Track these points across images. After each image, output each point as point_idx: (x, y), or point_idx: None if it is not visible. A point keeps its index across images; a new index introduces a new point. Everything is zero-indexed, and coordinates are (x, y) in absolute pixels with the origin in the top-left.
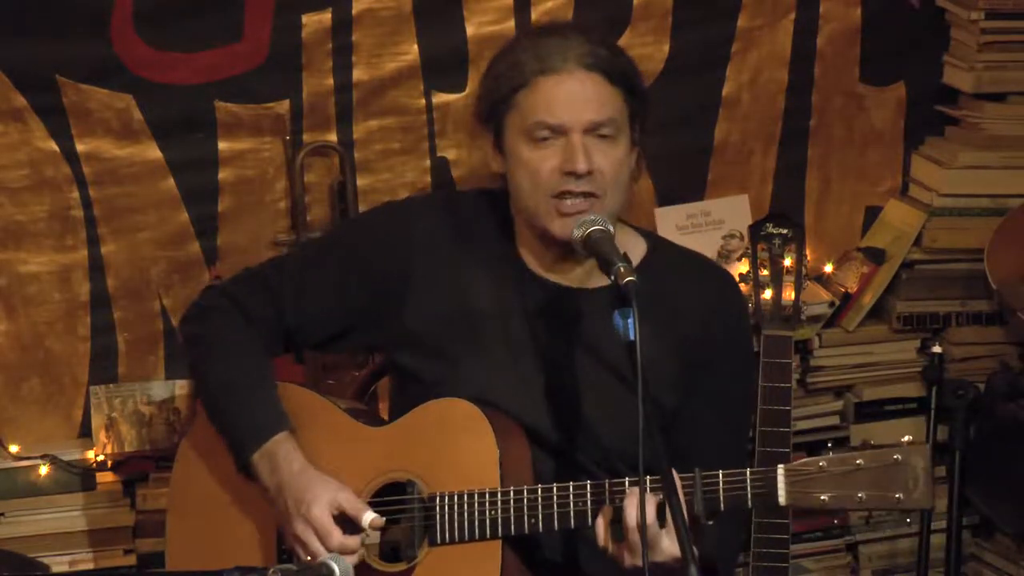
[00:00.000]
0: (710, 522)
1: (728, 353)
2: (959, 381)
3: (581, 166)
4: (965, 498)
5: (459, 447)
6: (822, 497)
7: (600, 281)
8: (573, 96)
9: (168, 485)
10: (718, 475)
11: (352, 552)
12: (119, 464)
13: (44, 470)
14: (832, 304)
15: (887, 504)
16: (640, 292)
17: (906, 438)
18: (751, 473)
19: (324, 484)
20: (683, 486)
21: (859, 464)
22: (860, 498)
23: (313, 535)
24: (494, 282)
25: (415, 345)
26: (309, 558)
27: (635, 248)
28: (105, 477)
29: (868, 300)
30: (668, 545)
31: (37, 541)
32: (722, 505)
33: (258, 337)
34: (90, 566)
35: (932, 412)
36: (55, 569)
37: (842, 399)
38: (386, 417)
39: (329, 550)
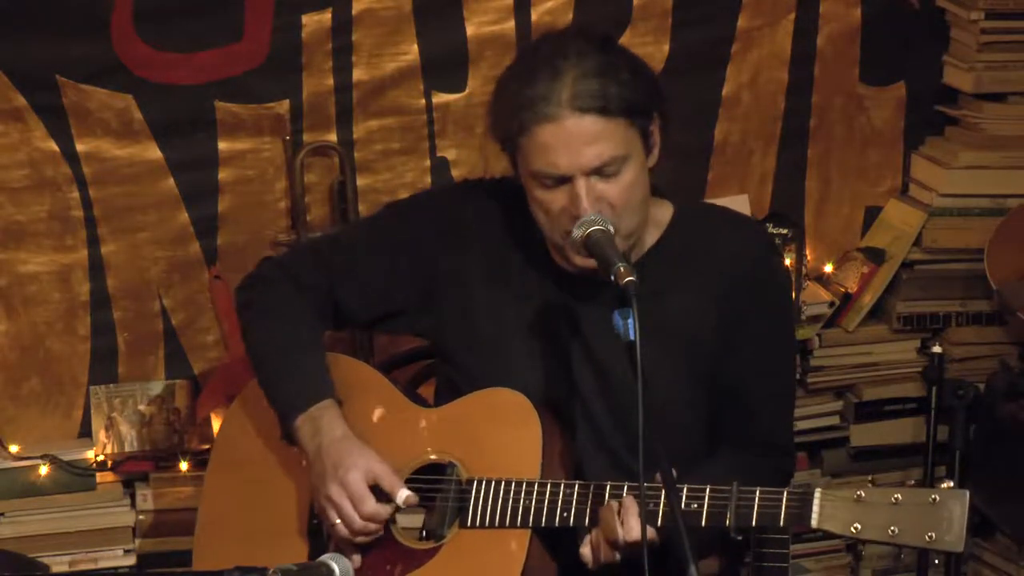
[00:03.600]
0: (739, 538)
1: (765, 298)
2: (959, 381)
3: (586, 212)
4: None
5: (505, 436)
6: (855, 525)
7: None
8: (570, 144)
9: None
10: (755, 491)
11: (382, 521)
12: (119, 464)
13: (44, 470)
14: (832, 304)
15: (917, 542)
16: (672, 252)
17: (948, 483)
18: (788, 493)
19: (364, 453)
20: (719, 498)
21: (896, 499)
22: (892, 532)
23: (346, 498)
24: (531, 273)
25: (457, 334)
26: (338, 521)
27: (662, 216)
28: (105, 477)
29: (868, 300)
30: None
31: (37, 541)
32: (754, 521)
33: (309, 307)
34: (90, 566)
35: (932, 412)
36: (55, 569)
37: (842, 399)
38: None
39: (362, 516)
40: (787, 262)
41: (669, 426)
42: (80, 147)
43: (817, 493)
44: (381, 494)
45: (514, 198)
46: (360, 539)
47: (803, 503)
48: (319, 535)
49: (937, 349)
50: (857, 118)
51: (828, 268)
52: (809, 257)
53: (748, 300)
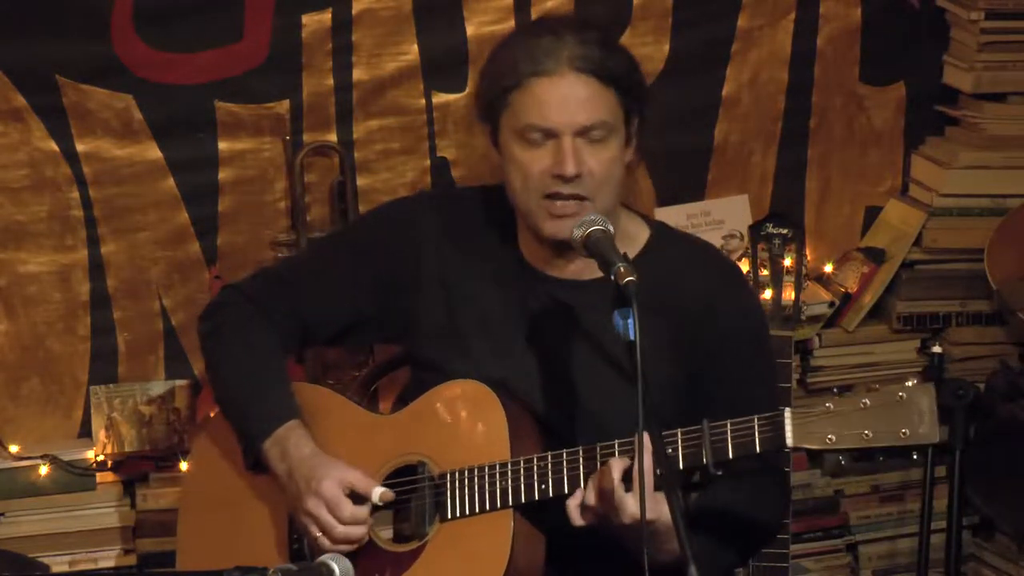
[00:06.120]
0: (719, 473)
1: (734, 342)
2: (959, 381)
3: (570, 170)
4: (965, 498)
5: (468, 424)
6: (829, 437)
7: (594, 273)
8: (564, 99)
9: (176, 483)
10: (726, 424)
11: (363, 523)
12: (119, 464)
13: (44, 470)
14: (832, 304)
15: (893, 440)
16: (640, 281)
17: (912, 381)
18: (759, 419)
19: (334, 464)
20: (691, 436)
21: (865, 404)
22: (866, 436)
23: (324, 508)
24: (496, 277)
25: (428, 337)
26: (320, 534)
27: (638, 235)
28: (105, 477)
29: (868, 300)
30: (632, 506)
31: (37, 541)
32: (730, 453)
33: (273, 333)
34: (90, 566)
35: None
36: (55, 569)
37: None
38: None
39: (341, 521)
40: (786, 262)
41: (616, 433)
42: (80, 147)
43: (787, 412)
44: (359, 501)
45: (474, 204)
46: (343, 547)
47: (775, 425)
48: (300, 557)
49: (937, 349)
50: (857, 118)
51: (828, 268)
52: (809, 257)
53: (713, 350)
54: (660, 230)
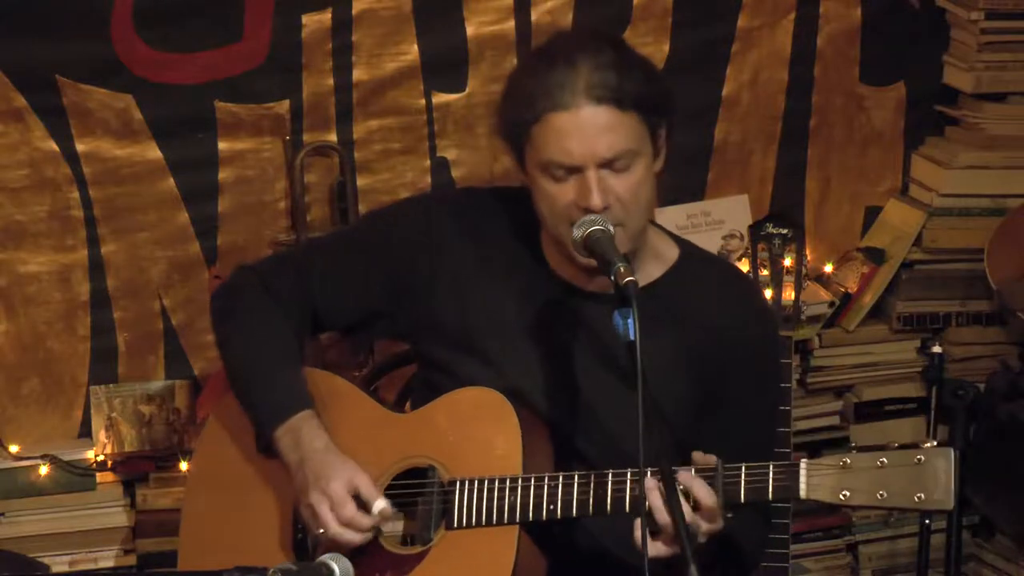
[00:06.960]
0: (729, 515)
1: (751, 370)
2: (959, 381)
3: (596, 203)
4: (965, 498)
5: (483, 434)
6: (843, 493)
7: None
8: (584, 133)
9: (176, 483)
10: (740, 468)
11: (362, 529)
12: (119, 464)
13: (44, 470)
14: (832, 304)
15: (907, 504)
16: (665, 299)
17: (931, 443)
18: (774, 466)
19: (346, 464)
20: (704, 478)
21: (882, 463)
22: (881, 496)
23: (327, 504)
24: (517, 281)
25: (440, 337)
26: (321, 531)
27: (666, 253)
28: (105, 477)
29: (868, 300)
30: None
31: (37, 541)
32: (742, 497)
33: (286, 317)
34: (90, 566)
35: (932, 412)
36: (55, 569)
37: (842, 399)
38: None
39: (341, 521)
40: (786, 262)
41: (633, 457)
42: (80, 147)
43: (803, 464)
44: (363, 505)
45: (495, 206)
46: (340, 545)
47: (790, 475)
48: (303, 548)
49: (937, 349)
50: (857, 118)
51: (828, 268)
52: (809, 257)
53: (731, 376)
54: (688, 249)
